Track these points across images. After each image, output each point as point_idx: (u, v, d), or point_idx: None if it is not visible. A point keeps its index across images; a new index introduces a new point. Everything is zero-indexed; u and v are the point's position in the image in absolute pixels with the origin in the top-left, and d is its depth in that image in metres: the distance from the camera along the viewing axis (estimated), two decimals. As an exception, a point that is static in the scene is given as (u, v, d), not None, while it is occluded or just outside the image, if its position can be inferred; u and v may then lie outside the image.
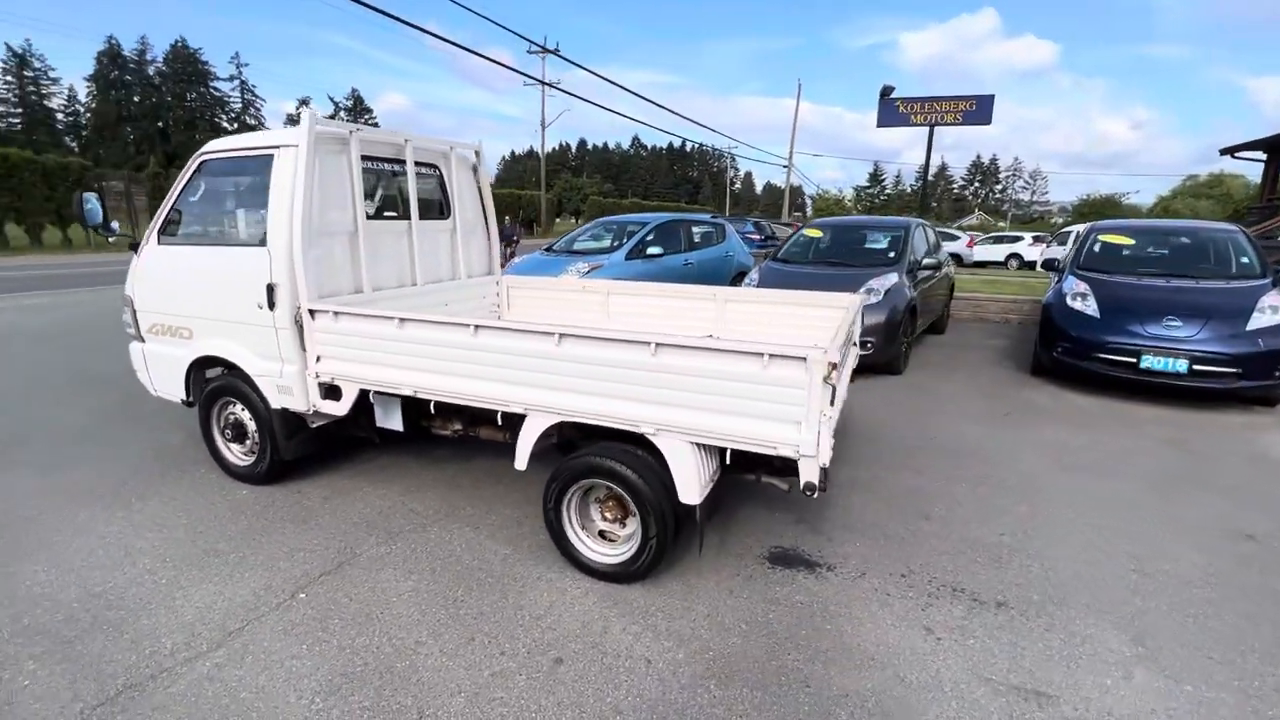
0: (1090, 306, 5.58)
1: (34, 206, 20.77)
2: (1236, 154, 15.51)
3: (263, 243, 3.17)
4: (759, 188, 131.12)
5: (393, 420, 3.36)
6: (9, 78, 58.31)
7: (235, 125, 67.36)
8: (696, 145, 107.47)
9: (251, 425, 3.53)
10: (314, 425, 3.53)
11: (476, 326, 2.70)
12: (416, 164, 3.86)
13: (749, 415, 2.29)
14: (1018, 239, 24.93)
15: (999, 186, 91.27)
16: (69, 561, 2.83)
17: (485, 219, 4.49)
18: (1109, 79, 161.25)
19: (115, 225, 3.70)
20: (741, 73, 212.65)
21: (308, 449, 3.58)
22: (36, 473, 3.74)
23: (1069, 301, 5.76)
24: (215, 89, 68.41)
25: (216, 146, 3.41)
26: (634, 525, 2.70)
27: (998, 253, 24.16)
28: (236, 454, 3.67)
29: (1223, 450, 4.35)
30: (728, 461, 2.58)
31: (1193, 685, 2.15)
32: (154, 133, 63.08)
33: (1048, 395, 5.66)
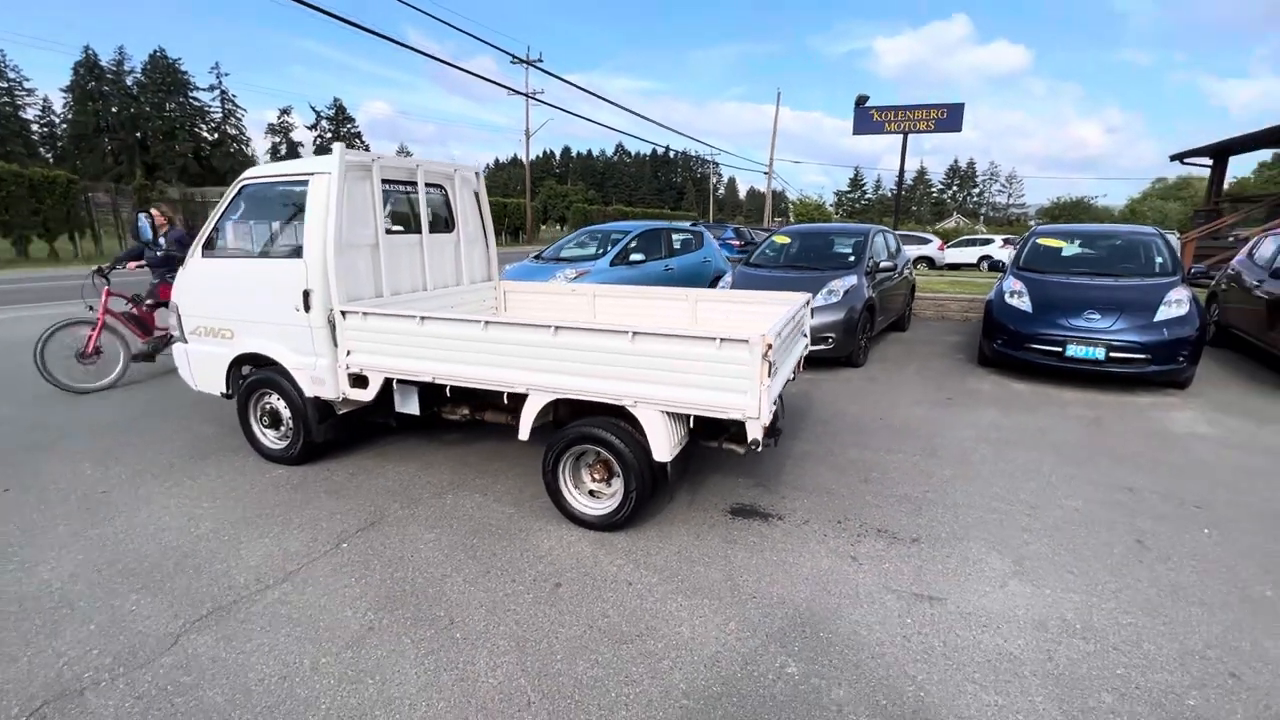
0: (1024, 302, 6.27)
1: (20, 219, 20.97)
2: (1185, 160, 16.48)
3: (299, 255, 3.73)
4: (742, 193, 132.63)
5: (410, 405, 3.91)
6: (-16, 89, 57.86)
7: (216, 135, 67.31)
8: (680, 152, 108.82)
9: (286, 413, 4.07)
10: (341, 412, 4.09)
11: (487, 322, 3.28)
12: (424, 185, 4.44)
13: (707, 387, 2.89)
14: (989, 241, 25.92)
15: (976, 190, 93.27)
16: (142, 526, 3.36)
17: (485, 232, 5.07)
18: (1082, 83, 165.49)
19: (162, 242, 4.23)
20: (723, 79, 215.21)
21: (335, 433, 4.12)
22: (95, 461, 4.24)
23: (1006, 299, 6.45)
24: (195, 99, 68.07)
25: (256, 173, 3.97)
26: (618, 484, 3.29)
27: (970, 255, 25.10)
28: (271, 439, 4.20)
29: (1128, 426, 5.02)
30: (692, 429, 3.18)
31: (1050, 590, 2.78)
32: (133, 143, 62.67)
33: (989, 383, 6.33)
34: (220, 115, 70.07)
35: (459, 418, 4.00)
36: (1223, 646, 2.42)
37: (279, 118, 75.93)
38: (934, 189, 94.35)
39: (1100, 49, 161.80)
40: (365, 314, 3.61)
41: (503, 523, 3.41)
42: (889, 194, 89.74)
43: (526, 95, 37.43)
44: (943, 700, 2.15)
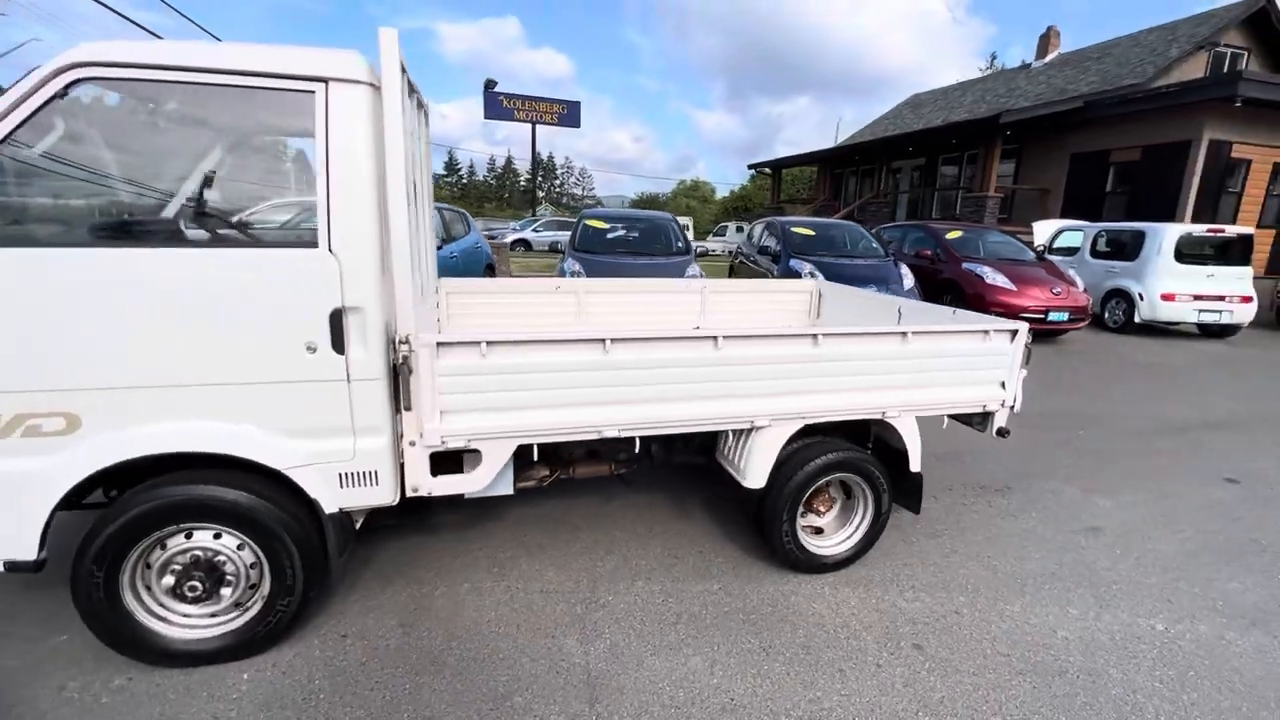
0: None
1: None
2: (758, 169, 22.21)
3: (310, 243, 1.88)
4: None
5: (501, 483, 2.46)
6: None
7: None
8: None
9: (242, 559, 2.03)
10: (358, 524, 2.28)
11: (719, 338, 2.32)
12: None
13: (963, 384, 2.74)
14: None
15: (558, 181, 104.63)
16: None
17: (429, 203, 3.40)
18: (612, 97, 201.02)
19: None
20: (256, 29, 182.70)
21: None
22: None
23: (803, 277, 7.71)
24: None
25: (119, 58, 1.75)
26: (834, 512, 2.84)
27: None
28: (195, 620, 2.03)
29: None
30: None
31: (1127, 500, 3.65)
32: None
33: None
34: None
35: (534, 484, 2.73)
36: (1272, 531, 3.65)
37: None
38: (523, 178, 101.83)
39: (625, 71, 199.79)
40: (488, 345, 2.08)
41: (733, 603, 2.53)
42: (482, 179, 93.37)
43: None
44: (1258, 605, 2.66)
